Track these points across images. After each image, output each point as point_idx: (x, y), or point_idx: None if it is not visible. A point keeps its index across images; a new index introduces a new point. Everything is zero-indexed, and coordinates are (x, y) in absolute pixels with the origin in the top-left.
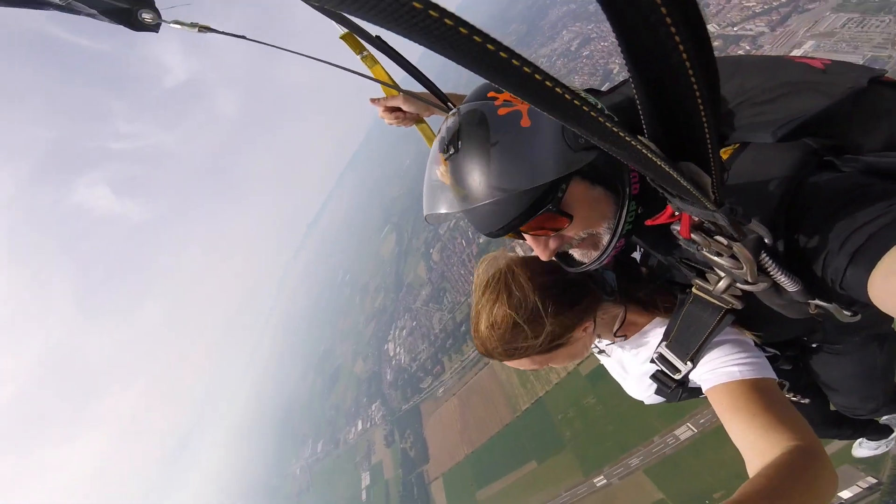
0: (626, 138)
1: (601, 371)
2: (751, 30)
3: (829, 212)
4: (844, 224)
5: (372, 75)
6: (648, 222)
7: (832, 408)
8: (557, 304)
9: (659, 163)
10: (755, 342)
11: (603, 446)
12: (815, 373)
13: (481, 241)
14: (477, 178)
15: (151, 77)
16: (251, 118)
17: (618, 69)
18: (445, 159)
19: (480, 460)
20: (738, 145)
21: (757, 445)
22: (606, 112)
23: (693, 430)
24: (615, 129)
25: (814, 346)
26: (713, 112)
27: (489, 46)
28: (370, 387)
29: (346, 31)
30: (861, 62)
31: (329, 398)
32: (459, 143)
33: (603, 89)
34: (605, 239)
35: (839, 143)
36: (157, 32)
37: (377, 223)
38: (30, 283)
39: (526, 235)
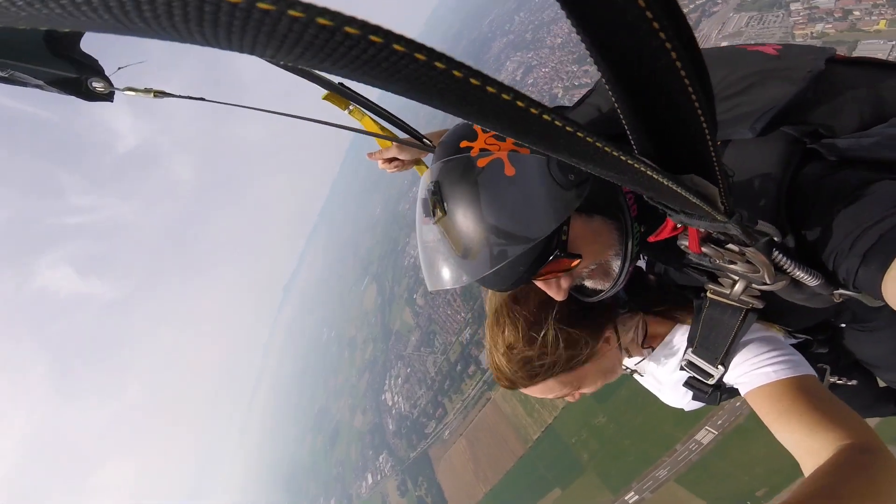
0: (628, 161)
1: (606, 388)
2: None
3: (836, 209)
4: (853, 223)
5: (363, 128)
6: (651, 239)
7: (881, 383)
8: (569, 317)
9: (663, 181)
10: (785, 333)
11: (625, 462)
12: (853, 352)
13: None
14: (476, 243)
15: (101, 144)
16: (210, 181)
17: (562, 93)
18: (435, 223)
19: (501, 497)
20: (719, 143)
21: (808, 446)
22: (595, 135)
23: (714, 433)
24: (614, 153)
25: (843, 325)
26: (711, 114)
27: (485, 87)
28: (374, 439)
29: (326, 91)
30: None
31: (332, 455)
32: (445, 204)
33: (566, 104)
34: (616, 265)
35: (814, 128)
36: (112, 102)
37: (356, 276)
38: (2, 371)
39: (537, 281)
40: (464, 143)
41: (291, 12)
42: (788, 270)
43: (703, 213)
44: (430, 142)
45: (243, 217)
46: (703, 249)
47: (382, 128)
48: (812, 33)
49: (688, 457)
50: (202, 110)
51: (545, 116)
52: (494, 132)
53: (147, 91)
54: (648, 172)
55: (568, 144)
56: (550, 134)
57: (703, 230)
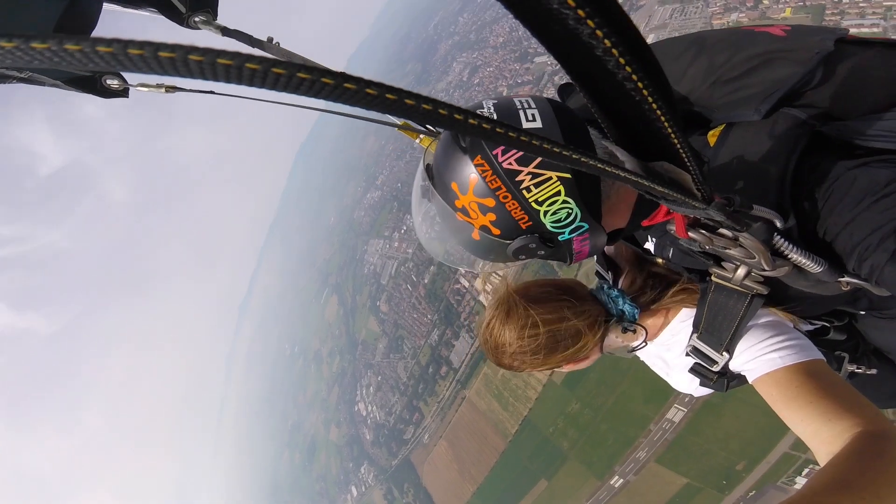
0: (585, 160)
1: (576, 375)
2: None
3: (867, 203)
4: (883, 219)
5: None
6: (645, 223)
7: None
8: (550, 347)
9: (622, 174)
10: (799, 319)
11: (605, 447)
12: (873, 340)
13: (426, 281)
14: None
15: (21, 168)
16: (148, 200)
17: (506, 91)
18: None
19: (489, 493)
20: (723, 127)
21: (821, 434)
22: (552, 140)
23: (683, 410)
24: (573, 156)
25: (862, 312)
26: (667, 102)
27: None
28: (352, 451)
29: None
30: None
31: (312, 470)
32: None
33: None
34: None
35: (823, 110)
36: (127, 97)
37: (315, 289)
38: None
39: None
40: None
41: (249, 65)
42: (789, 256)
43: (678, 200)
44: None
45: (188, 235)
46: (691, 234)
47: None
48: (728, 23)
49: (663, 436)
50: (132, 124)
51: (499, 129)
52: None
53: (159, 86)
54: (607, 168)
55: (527, 150)
56: (490, 137)
57: (690, 215)
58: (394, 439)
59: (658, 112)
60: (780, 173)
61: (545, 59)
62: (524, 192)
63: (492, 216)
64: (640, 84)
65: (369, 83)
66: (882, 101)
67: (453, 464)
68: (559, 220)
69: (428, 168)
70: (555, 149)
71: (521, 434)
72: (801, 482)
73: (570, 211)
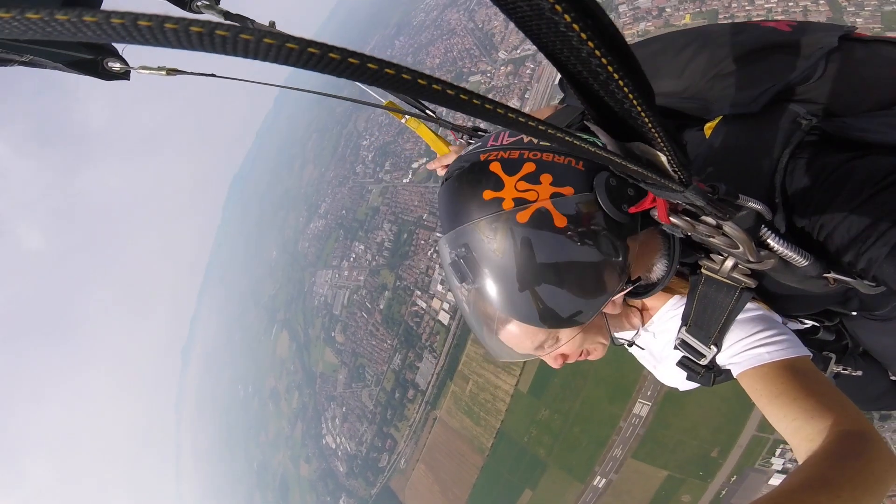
0: (552, 132)
1: (540, 382)
2: (529, 49)
3: (865, 195)
4: (882, 211)
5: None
6: (632, 210)
7: (892, 377)
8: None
9: (593, 150)
10: (790, 318)
11: (581, 449)
12: (862, 342)
13: (382, 307)
14: (539, 313)
15: None
16: (68, 247)
17: (445, 111)
18: (472, 287)
19: None
20: (720, 119)
21: (802, 432)
22: (510, 107)
23: (647, 403)
24: (538, 126)
25: (854, 314)
26: (637, 83)
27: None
28: (327, 485)
29: (387, 99)
30: None
31: None
32: (485, 270)
33: None
34: (662, 263)
35: (823, 106)
36: (129, 80)
37: (262, 326)
38: None
39: None
40: (489, 194)
41: (268, 40)
42: (775, 249)
43: (655, 182)
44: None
45: (117, 280)
46: (673, 220)
47: (439, 137)
48: (637, 32)
49: (634, 431)
50: (41, 161)
51: (449, 91)
52: (522, 175)
53: (160, 69)
54: (559, 135)
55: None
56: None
57: (674, 200)
58: (369, 468)
59: (626, 90)
60: (771, 165)
61: (479, 79)
62: (542, 142)
63: (547, 177)
64: (604, 60)
65: (352, 53)
66: (885, 99)
67: (434, 485)
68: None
69: (460, 252)
70: (529, 122)
71: (498, 447)
72: (777, 462)
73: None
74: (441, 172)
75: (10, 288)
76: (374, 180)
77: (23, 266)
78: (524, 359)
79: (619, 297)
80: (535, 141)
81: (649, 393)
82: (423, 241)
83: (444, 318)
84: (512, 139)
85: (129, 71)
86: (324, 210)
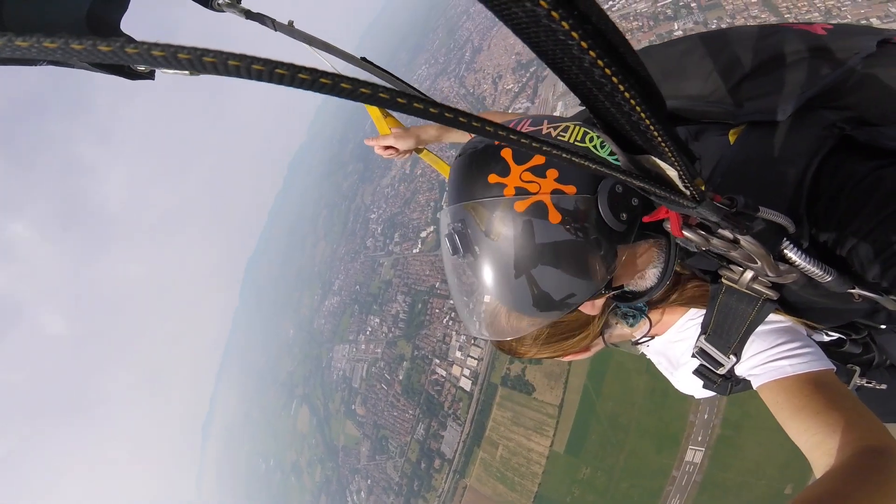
0: (555, 152)
1: (576, 440)
2: (519, 109)
3: (891, 208)
4: None
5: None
6: (646, 219)
7: None
8: (551, 336)
9: (593, 166)
10: (816, 330)
11: None
12: (891, 355)
13: (401, 377)
14: (518, 301)
15: None
16: (88, 331)
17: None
18: (463, 259)
19: None
20: (746, 125)
21: (823, 446)
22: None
23: (700, 449)
24: (544, 147)
25: (882, 327)
26: (643, 91)
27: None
28: None
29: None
30: None
31: None
32: (477, 249)
33: None
34: (655, 269)
35: (857, 113)
36: (153, 80)
37: (282, 402)
38: None
39: None
40: (494, 178)
41: (255, 66)
42: (796, 263)
43: (665, 197)
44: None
45: (136, 363)
46: (685, 233)
47: (388, 116)
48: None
49: (691, 479)
50: (64, 247)
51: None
52: (530, 166)
53: (183, 69)
54: (555, 152)
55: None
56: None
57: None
58: None
59: (632, 102)
60: (798, 176)
61: None
62: (560, 137)
63: (553, 172)
64: (607, 71)
65: (346, 78)
66: None
67: None
68: (611, 153)
69: (456, 226)
70: (521, 139)
71: None
72: None
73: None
74: (378, 151)
75: (34, 371)
76: (384, 253)
77: (45, 350)
78: (499, 339)
79: (599, 301)
80: (553, 135)
81: (700, 438)
82: (437, 310)
83: (465, 384)
84: (531, 129)
85: (154, 71)
86: (337, 286)
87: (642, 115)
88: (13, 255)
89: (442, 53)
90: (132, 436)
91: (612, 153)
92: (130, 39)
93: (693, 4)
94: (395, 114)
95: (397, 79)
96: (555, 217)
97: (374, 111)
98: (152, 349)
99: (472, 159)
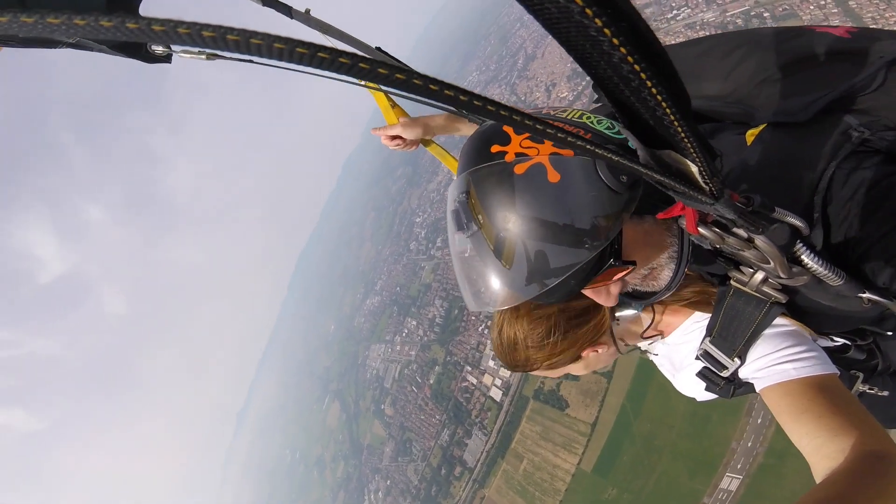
0: (572, 140)
1: (606, 460)
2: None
3: None
4: None
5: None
6: (660, 216)
7: None
8: (574, 321)
9: (615, 158)
10: (820, 335)
11: None
12: (894, 362)
13: (432, 382)
14: (521, 260)
15: (21, 273)
16: (145, 312)
17: None
18: (469, 236)
19: None
20: (764, 126)
21: (823, 449)
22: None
23: (738, 477)
24: (559, 134)
25: (889, 333)
26: (670, 88)
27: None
28: None
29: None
30: None
31: None
32: (480, 217)
33: None
34: (669, 268)
35: (879, 118)
36: (170, 63)
37: (315, 396)
38: None
39: (586, 290)
40: (495, 148)
41: (299, 49)
42: (808, 266)
43: (684, 193)
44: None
45: (186, 346)
46: (701, 231)
47: (395, 106)
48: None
49: None
50: (131, 230)
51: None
52: (528, 135)
53: (200, 53)
54: (570, 139)
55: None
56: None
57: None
58: None
59: (659, 98)
60: (815, 179)
61: None
62: (558, 115)
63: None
64: (636, 67)
65: (364, 59)
66: None
67: None
68: (612, 126)
69: (461, 197)
70: (538, 126)
71: None
72: None
73: (613, 124)
74: (385, 141)
75: (88, 348)
76: (426, 257)
77: (101, 326)
78: (500, 307)
79: (614, 285)
80: (552, 114)
81: (739, 466)
82: (473, 318)
83: (496, 394)
84: (532, 112)
85: (171, 55)
86: (379, 287)
87: (668, 110)
88: (88, 236)
89: (493, 60)
90: (168, 417)
91: (608, 127)
92: (155, 18)
93: (766, 14)
94: (402, 104)
95: (411, 70)
96: (553, 176)
97: (381, 100)
98: (201, 335)
99: (478, 135)
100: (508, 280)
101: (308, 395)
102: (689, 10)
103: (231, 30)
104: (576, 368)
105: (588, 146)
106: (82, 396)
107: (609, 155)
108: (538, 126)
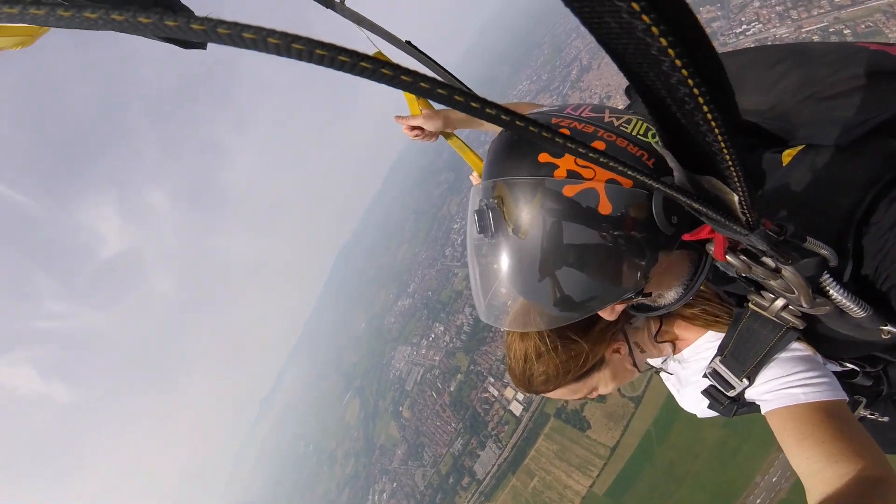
0: (605, 161)
1: (621, 484)
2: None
3: None
4: None
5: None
6: (686, 237)
7: None
8: (580, 330)
9: (657, 184)
10: (828, 357)
11: None
12: None
13: (452, 389)
14: (547, 290)
15: (84, 248)
16: (190, 297)
17: None
18: (489, 239)
19: None
20: (803, 147)
21: (823, 474)
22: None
23: None
24: (606, 161)
25: None
26: (724, 114)
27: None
28: None
29: (376, 50)
30: None
31: None
32: (510, 229)
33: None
34: (677, 291)
35: None
36: (205, 49)
37: (338, 391)
38: None
39: None
40: (545, 157)
41: (318, 51)
42: (833, 297)
43: (720, 222)
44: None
45: (223, 333)
46: (729, 259)
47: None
48: None
49: None
50: (188, 216)
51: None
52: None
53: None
54: (641, 178)
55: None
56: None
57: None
58: None
59: (712, 124)
60: (850, 207)
61: None
62: (622, 127)
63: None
64: (695, 90)
65: (388, 64)
66: None
67: None
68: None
69: (491, 203)
70: (591, 154)
71: None
72: None
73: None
74: (405, 131)
75: (137, 324)
76: (460, 264)
77: (151, 306)
78: (515, 329)
79: (619, 306)
80: (616, 124)
81: (759, 501)
82: (501, 330)
83: (516, 408)
84: (592, 114)
85: (208, 42)
86: (412, 289)
87: (720, 137)
88: (148, 219)
89: (546, 70)
90: (198, 400)
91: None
92: (193, 15)
93: (847, 31)
94: None
95: (442, 69)
96: (605, 207)
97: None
98: (240, 321)
99: (516, 139)
100: (533, 299)
101: (331, 389)
102: (761, 25)
103: (272, 32)
104: (603, 378)
105: (650, 181)
106: (119, 374)
107: (670, 191)
108: (594, 156)
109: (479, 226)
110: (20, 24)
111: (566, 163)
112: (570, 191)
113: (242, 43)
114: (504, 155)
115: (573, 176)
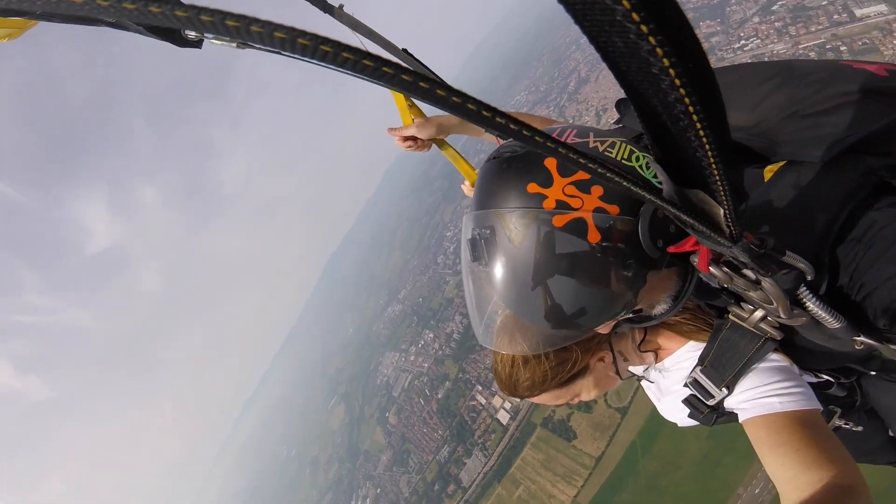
0: (609, 175)
1: (605, 495)
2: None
3: None
4: None
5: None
6: (671, 249)
7: (891, 433)
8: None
9: (648, 195)
10: (804, 367)
11: None
12: (873, 400)
13: (440, 396)
14: (539, 313)
15: (70, 242)
16: (177, 296)
17: None
18: (483, 267)
19: None
20: (784, 163)
21: (795, 481)
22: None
23: None
24: (594, 168)
25: (873, 373)
26: (716, 132)
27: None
28: None
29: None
30: None
31: None
32: (502, 260)
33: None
34: (665, 304)
35: None
36: (201, 48)
37: (323, 396)
38: None
39: None
40: (533, 188)
41: (323, 47)
42: (809, 308)
43: (705, 234)
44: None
45: (208, 333)
46: (711, 270)
47: (412, 107)
48: None
49: None
50: (181, 215)
51: (469, 105)
52: (574, 180)
53: (231, 40)
54: (591, 165)
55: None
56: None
57: (715, 251)
58: None
59: (704, 140)
60: (828, 222)
61: None
62: (606, 152)
63: (598, 189)
64: (690, 109)
65: (388, 62)
66: None
67: None
68: (654, 176)
69: (483, 233)
70: (580, 159)
71: None
72: None
73: (648, 162)
74: (397, 142)
75: (118, 323)
76: (452, 272)
77: (134, 303)
78: (512, 352)
79: (611, 322)
80: (600, 149)
81: None
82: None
83: (503, 416)
84: (578, 140)
85: (202, 41)
86: (402, 296)
87: (710, 153)
88: (138, 214)
89: (544, 82)
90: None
91: (655, 176)
92: (180, 3)
93: (843, 48)
94: (420, 106)
95: (437, 78)
96: (594, 236)
97: (399, 101)
98: (226, 321)
99: (511, 164)
100: (530, 321)
101: (316, 393)
102: (759, 40)
103: (255, 21)
104: (586, 385)
105: (644, 192)
106: (99, 371)
107: (661, 203)
108: (592, 166)
109: (473, 255)
110: (7, 15)
111: (555, 193)
112: (559, 221)
113: (226, 31)
114: (494, 185)
115: (562, 206)
